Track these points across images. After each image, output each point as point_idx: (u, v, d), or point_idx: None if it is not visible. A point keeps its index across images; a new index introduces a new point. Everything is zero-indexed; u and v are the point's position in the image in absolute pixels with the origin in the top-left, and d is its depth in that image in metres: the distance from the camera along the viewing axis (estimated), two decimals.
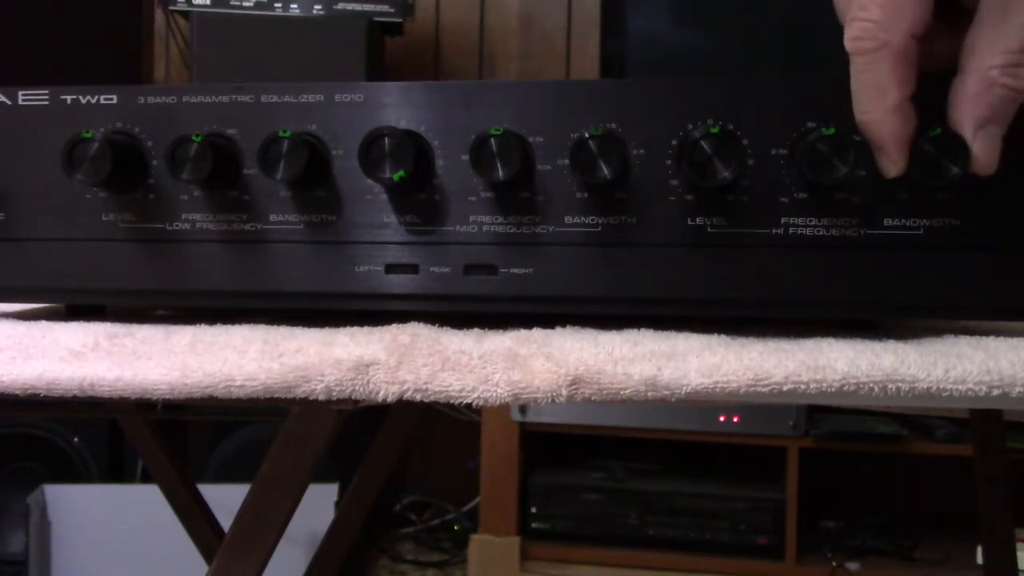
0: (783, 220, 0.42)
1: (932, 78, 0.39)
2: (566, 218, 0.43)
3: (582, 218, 0.43)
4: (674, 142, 0.42)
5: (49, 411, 1.59)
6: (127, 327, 0.44)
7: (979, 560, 1.17)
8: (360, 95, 0.44)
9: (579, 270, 0.43)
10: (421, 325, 0.43)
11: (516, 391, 0.38)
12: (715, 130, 0.40)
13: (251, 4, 1.74)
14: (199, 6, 1.74)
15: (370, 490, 1.03)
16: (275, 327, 0.43)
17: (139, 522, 1.65)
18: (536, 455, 1.96)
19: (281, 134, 0.43)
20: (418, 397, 0.39)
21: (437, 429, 2.23)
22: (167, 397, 0.39)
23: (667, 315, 0.45)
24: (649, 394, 0.38)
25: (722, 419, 1.81)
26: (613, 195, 0.43)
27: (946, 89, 0.39)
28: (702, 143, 0.40)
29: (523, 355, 0.39)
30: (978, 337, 0.41)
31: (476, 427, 1.94)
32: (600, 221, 0.43)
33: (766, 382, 0.38)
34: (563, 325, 0.43)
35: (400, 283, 0.45)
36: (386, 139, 0.42)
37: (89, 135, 0.44)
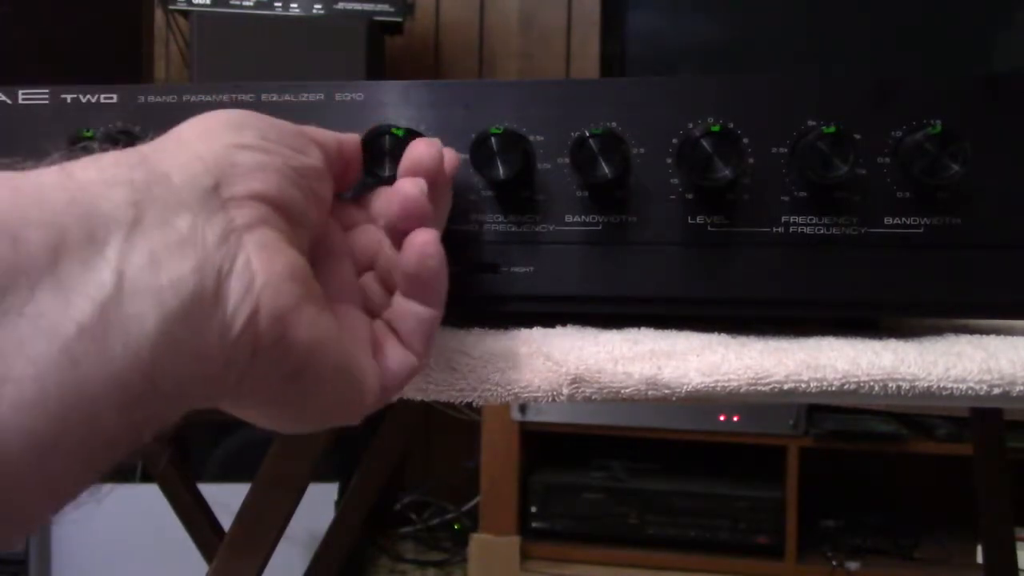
0: (783, 219, 0.42)
1: (931, 76, 0.39)
2: (566, 217, 0.43)
3: (583, 217, 0.43)
4: (674, 141, 0.42)
5: None
6: None
7: (979, 559, 1.17)
8: (360, 94, 0.44)
9: (580, 269, 0.43)
10: None
11: (516, 390, 0.38)
12: (715, 128, 0.40)
13: (251, 3, 1.74)
14: (199, 5, 1.74)
15: (370, 490, 1.02)
16: None
17: (139, 522, 1.65)
18: (536, 455, 1.95)
19: None
20: (418, 397, 0.39)
21: (437, 429, 2.22)
22: None
23: (667, 314, 0.45)
24: (650, 393, 0.38)
25: (722, 418, 1.81)
26: (613, 194, 0.43)
27: (946, 87, 0.39)
28: (702, 142, 0.40)
29: (523, 354, 0.39)
30: (978, 336, 0.41)
31: (476, 426, 1.94)
32: (600, 220, 0.43)
33: (766, 381, 0.38)
34: (563, 324, 0.43)
35: None
36: (386, 138, 0.42)
37: (89, 134, 0.44)
